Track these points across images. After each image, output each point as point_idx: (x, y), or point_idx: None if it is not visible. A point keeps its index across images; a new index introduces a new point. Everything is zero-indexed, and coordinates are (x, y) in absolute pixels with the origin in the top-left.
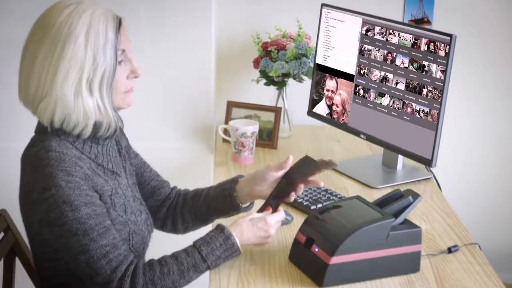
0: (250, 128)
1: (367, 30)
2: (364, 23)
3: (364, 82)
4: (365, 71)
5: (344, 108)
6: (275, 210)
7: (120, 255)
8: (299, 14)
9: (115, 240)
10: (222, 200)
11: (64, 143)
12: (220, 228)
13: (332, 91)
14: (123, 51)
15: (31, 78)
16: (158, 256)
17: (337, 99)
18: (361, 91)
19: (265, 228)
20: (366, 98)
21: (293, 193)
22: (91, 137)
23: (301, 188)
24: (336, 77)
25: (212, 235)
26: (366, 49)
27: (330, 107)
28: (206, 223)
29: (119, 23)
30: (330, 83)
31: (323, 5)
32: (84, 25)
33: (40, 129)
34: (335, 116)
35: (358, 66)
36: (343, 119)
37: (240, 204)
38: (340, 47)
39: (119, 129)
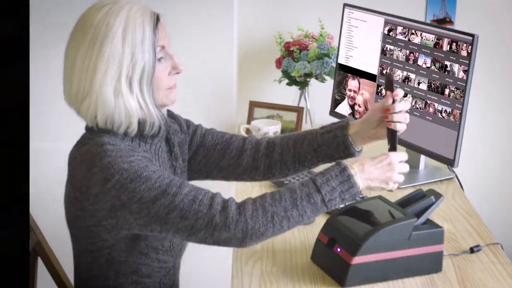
0: (272, 128)
1: (389, 30)
2: (386, 23)
3: None
4: (387, 71)
5: (366, 108)
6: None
7: (208, 192)
8: (321, 14)
9: (194, 185)
10: (335, 147)
11: (114, 139)
12: (336, 162)
13: (354, 91)
14: (163, 48)
15: (72, 79)
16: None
17: (359, 99)
18: (383, 91)
19: (388, 160)
20: None
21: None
22: (138, 135)
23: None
24: (358, 77)
25: (328, 168)
26: (388, 49)
27: (352, 107)
28: (310, 168)
29: (156, 19)
30: (352, 83)
31: (345, 5)
32: (121, 23)
33: (90, 127)
34: (357, 116)
35: (380, 66)
36: None
37: (356, 150)
38: (362, 47)
39: (168, 126)
